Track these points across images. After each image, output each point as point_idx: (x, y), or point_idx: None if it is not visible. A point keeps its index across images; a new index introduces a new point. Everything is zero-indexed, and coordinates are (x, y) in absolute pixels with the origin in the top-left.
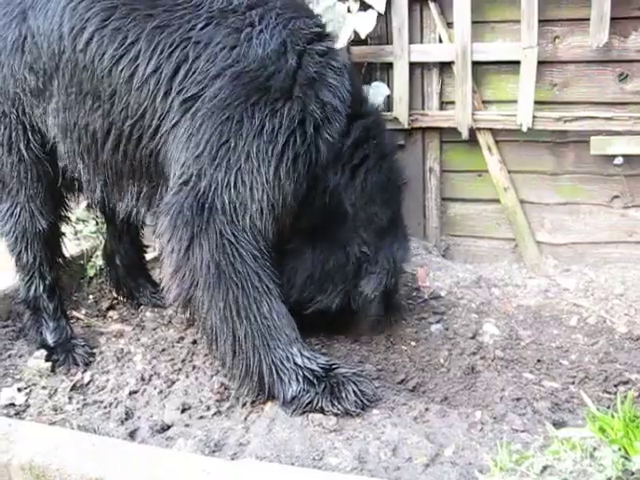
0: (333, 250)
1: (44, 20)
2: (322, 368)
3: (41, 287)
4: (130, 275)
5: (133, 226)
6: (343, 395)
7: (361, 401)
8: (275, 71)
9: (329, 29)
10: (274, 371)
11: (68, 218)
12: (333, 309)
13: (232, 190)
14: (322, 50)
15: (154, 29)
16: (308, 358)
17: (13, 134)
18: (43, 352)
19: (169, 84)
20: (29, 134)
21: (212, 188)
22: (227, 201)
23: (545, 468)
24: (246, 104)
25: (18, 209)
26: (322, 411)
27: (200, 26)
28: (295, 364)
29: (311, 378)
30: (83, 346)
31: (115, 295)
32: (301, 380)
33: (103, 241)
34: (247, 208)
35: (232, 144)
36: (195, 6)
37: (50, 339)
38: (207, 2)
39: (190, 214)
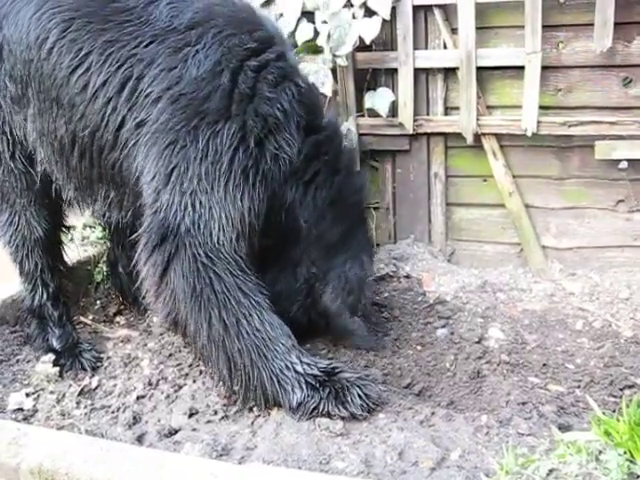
0: (283, 272)
1: (15, 29)
2: (324, 372)
3: (45, 295)
4: (134, 282)
5: (134, 233)
6: (349, 399)
7: (367, 404)
8: (211, 92)
9: (335, 35)
10: (275, 381)
11: (67, 226)
12: (304, 323)
13: (192, 212)
14: (256, 65)
15: (106, 42)
16: (308, 364)
17: (0, 146)
18: (51, 357)
19: (116, 99)
20: (11, 144)
21: (172, 212)
22: (190, 223)
23: (551, 471)
24: (187, 128)
25: (16, 218)
26: (329, 415)
27: (144, 44)
28: (296, 372)
29: (314, 383)
30: (90, 351)
31: (121, 301)
32: (304, 387)
33: (108, 247)
34: (211, 228)
35: (182, 168)
36: (142, 23)
37: (57, 346)
38: (153, 20)
39: (158, 239)
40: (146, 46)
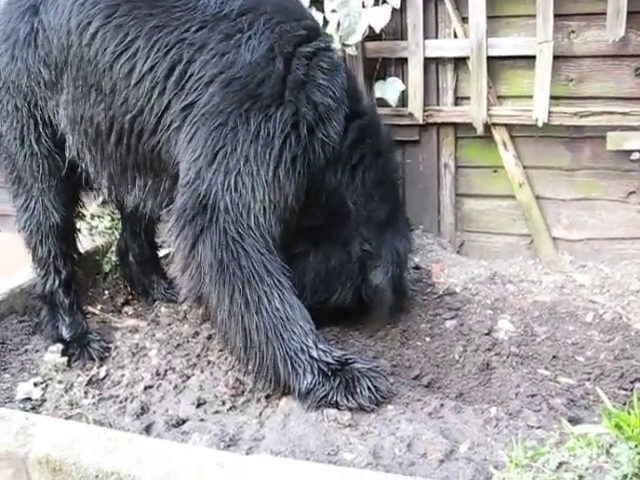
0: (336, 250)
1: (54, 15)
2: (337, 361)
3: (57, 282)
4: (144, 272)
5: (148, 222)
6: (358, 390)
7: (375, 397)
8: (265, 77)
9: (345, 24)
10: (289, 363)
11: (82, 214)
12: (347, 304)
13: (233, 192)
14: (309, 52)
15: (153, 28)
16: (324, 351)
17: (25, 128)
18: (59, 346)
19: (164, 83)
20: (40, 127)
21: (212, 191)
22: (229, 202)
23: (561, 464)
24: (239, 110)
25: (32, 203)
26: (337, 405)
27: (194, 29)
28: (310, 356)
29: (326, 371)
30: (99, 341)
31: (130, 291)
32: (316, 372)
33: (118, 237)
34: (250, 208)
35: (229, 149)
36: (191, 9)
37: (66, 334)
38: (202, 6)
39: (193, 214)
40: (196, 31)
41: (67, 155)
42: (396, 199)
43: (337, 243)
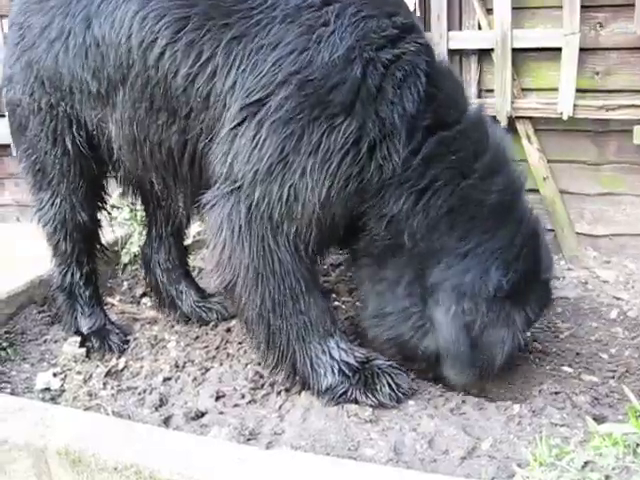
0: (389, 284)
1: (110, 30)
2: (359, 361)
3: (77, 275)
4: (171, 280)
5: (178, 224)
6: (377, 387)
7: (395, 394)
8: (339, 82)
9: None
10: (308, 363)
11: (105, 208)
12: (420, 354)
13: (284, 204)
14: (389, 59)
15: (231, 41)
16: (345, 351)
17: (59, 126)
18: (78, 338)
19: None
20: (74, 129)
21: (265, 200)
22: (277, 213)
23: (586, 464)
24: (308, 118)
25: (59, 200)
26: (356, 402)
27: (275, 29)
28: (331, 357)
29: (346, 371)
30: (117, 333)
31: (156, 302)
32: (336, 372)
33: (137, 236)
34: (294, 220)
35: (290, 159)
36: (271, 6)
37: (85, 326)
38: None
39: (238, 220)
40: (276, 28)
41: (111, 167)
42: (486, 231)
43: (385, 277)
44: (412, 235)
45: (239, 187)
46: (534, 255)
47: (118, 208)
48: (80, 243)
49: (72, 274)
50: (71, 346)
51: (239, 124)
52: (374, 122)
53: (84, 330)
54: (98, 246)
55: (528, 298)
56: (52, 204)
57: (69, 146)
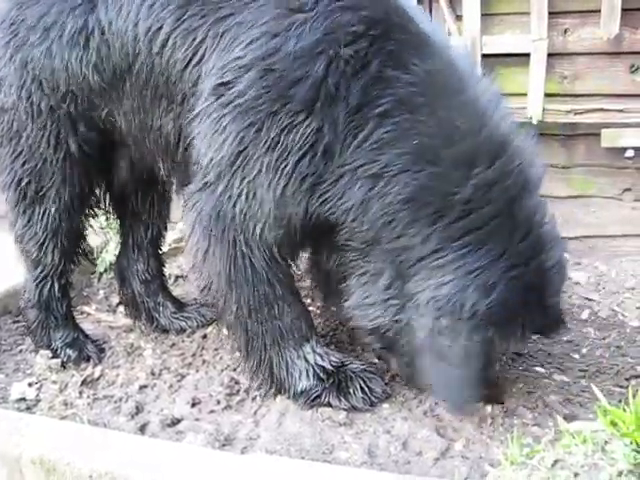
0: (371, 275)
1: (117, 17)
2: (334, 365)
3: (56, 287)
4: (148, 292)
5: (156, 233)
6: (351, 391)
7: (369, 398)
8: (302, 77)
9: None
10: (284, 367)
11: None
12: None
13: (244, 201)
14: (349, 55)
15: (219, 20)
16: (321, 355)
17: (62, 129)
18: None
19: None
20: (79, 131)
21: (227, 195)
22: (239, 211)
23: (556, 462)
24: (269, 110)
25: (54, 208)
26: (330, 405)
27: (257, 4)
28: (307, 361)
29: (321, 374)
30: (92, 342)
31: (132, 318)
32: (311, 376)
33: (114, 244)
34: (257, 221)
35: (249, 152)
36: None
37: (58, 339)
38: None
39: (208, 220)
40: (257, 6)
41: (121, 164)
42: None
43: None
44: (373, 225)
45: (208, 182)
46: (537, 276)
47: (94, 217)
48: (68, 252)
49: (50, 287)
50: (43, 358)
51: (208, 106)
52: (331, 124)
53: (58, 344)
54: (81, 252)
55: (522, 326)
56: (44, 214)
57: (73, 149)
